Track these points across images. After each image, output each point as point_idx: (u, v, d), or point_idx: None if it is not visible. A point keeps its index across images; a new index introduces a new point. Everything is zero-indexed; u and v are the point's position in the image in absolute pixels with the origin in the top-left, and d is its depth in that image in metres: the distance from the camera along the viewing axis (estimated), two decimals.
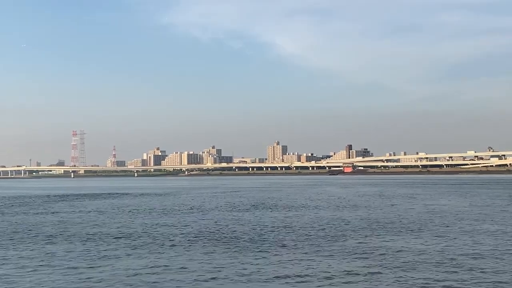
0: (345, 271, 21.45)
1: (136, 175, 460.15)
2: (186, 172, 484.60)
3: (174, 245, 28.81)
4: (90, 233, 34.29)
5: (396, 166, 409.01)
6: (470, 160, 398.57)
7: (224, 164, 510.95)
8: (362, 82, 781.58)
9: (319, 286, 19.27)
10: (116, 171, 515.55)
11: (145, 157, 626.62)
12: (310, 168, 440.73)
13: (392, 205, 58.50)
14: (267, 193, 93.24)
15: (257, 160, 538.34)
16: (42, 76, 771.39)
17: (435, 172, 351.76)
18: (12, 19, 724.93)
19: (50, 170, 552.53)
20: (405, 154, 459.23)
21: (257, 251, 26.38)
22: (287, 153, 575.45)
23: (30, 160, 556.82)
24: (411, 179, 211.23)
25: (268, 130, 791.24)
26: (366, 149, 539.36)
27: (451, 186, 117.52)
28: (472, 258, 23.95)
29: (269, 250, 26.65)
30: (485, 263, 22.80)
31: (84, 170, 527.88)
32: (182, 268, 22.39)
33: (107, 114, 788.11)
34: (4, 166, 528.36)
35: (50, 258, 25.00)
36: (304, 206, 58.38)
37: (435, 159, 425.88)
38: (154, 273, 21.38)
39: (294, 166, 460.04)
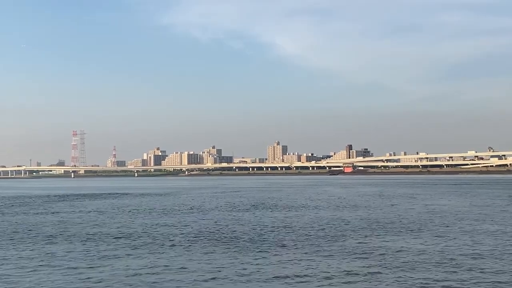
0: (345, 271, 21.46)
1: (136, 175, 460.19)
2: (186, 172, 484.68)
3: (174, 245, 28.83)
4: (90, 233, 34.30)
5: (396, 166, 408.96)
6: (470, 160, 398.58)
7: (224, 164, 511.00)
8: (362, 82, 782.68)
9: (319, 286, 19.28)
10: (116, 171, 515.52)
11: (145, 157, 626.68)
12: (310, 168, 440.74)
13: (392, 205, 58.50)
14: (267, 193, 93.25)
15: (257, 160, 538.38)
16: (42, 76, 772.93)
17: (435, 172, 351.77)
18: (12, 19, 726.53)
19: (50, 170, 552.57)
20: (405, 154, 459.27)
21: (257, 251, 26.39)
22: (287, 153, 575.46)
23: (30, 160, 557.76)
24: (411, 179, 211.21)
25: (268, 130, 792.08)
26: (366, 149, 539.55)
27: (451, 186, 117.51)
28: (472, 258, 23.96)
29: (269, 250, 26.67)
30: (484, 263, 22.82)
31: (84, 170, 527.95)
32: (182, 268, 22.40)
33: (107, 114, 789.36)
34: (4, 166, 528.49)
35: (50, 258, 25.01)
36: (304, 206, 58.39)
37: (435, 159, 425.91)
38: (154, 273, 21.39)
39: (294, 166, 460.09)
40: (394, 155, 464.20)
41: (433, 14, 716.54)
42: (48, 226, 39.10)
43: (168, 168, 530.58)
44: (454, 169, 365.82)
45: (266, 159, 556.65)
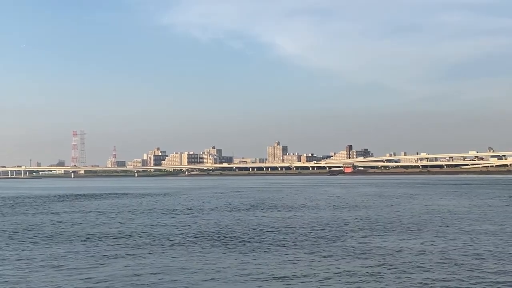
0: (345, 271, 21.46)
1: (136, 175, 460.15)
2: (186, 172, 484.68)
3: (174, 245, 28.84)
4: (90, 233, 34.31)
5: (397, 167, 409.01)
6: (470, 160, 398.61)
7: (224, 164, 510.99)
8: (362, 82, 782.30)
9: (318, 286, 19.29)
10: (116, 171, 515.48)
11: (145, 157, 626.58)
12: (311, 168, 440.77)
13: (392, 205, 58.51)
14: (267, 193, 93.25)
15: (257, 160, 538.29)
16: (42, 76, 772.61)
17: (436, 173, 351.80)
18: (12, 19, 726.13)
19: (50, 170, 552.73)
20: (405, 154, 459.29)
21: (257, 251, 26.40)
22: (287, 154, 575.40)
23: (31, 160, 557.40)
24: (412, 179, 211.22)
25: (268, 130, 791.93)
26: (367, 149, 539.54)
27: (451, 187, 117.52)
28: (472, 258, 23.96)
29: (269, 250, 26.68)
30: (484, 263, 22.82)
31: (84, 170, 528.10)
32: (182, 268, 22.41)
33: (107, 114, 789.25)
34: (4, 166, 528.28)
35: (50, 259, 25.02)
36: (304, 206, 58.40)
37: (436, 159, 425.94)
38: (154, 273, 21.39)
39: (295, 167, 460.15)
40: (394, 155, 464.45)
41: (433, 14, 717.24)
42: (48, 226, 39.12)
43: (168, 168, 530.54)
44: (454, 169, 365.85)
45: (266, 159, 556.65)
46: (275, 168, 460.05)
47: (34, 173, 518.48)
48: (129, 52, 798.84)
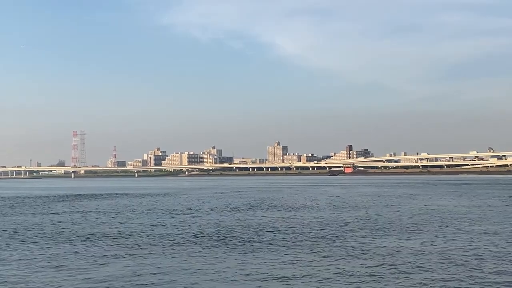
0: (344, 271, 21.49)
1: (136, 176, 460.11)
2: (186, 173, 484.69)
3: (174, 245, 28.87)
4: (90, 234, 34.34)
5: (397, 167, 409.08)
6: (470, 160, 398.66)
7: (224, 165, 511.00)
8: (362, 82, 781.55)
9: (318, 286, 19.31)
10: (116, 172, 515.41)
11: (145, 158, 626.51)
12: (311, 169, 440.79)
13: (392, 205, 58.53)
14: (267, 193, 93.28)
15: (257, 161, 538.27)
16: (42, 76, 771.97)
17: (436, 173, 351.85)
18: (12, 19, 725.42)
19: (51, 171, 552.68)
20: (405, 154, 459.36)
21: (257, 252, 26.43)
22: (287, 154, 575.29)
23: (31, 160, 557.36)
24: (412, 179, 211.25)
25: (268, 130, 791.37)
26: (367, 149, 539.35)
27: (451, 187, 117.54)
28: (472, 258, 23.98)
29: (269, 251, 26.70)
30: (484, 263, 22.84)
31: (85, 171, 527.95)
32: (181, 268, 22.44)
33: (107, 114, 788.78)
34: (4, 167, 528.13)
35: (50, 259, 25.05)
36: (304, 206, 58.43)
37: (436, 159, 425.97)
38: (153, 274, 21.42)
39: (295, 167, 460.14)
40: (394, 156, 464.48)
41: (433, 14, 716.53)
42: (48, 227, 39.15)
43: (168, 169, 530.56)
44: (454, 169, 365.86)
45: (266, 159, 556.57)
46: (275, 168, 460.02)
47: (34, 173, 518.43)
48: (129, 52, 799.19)
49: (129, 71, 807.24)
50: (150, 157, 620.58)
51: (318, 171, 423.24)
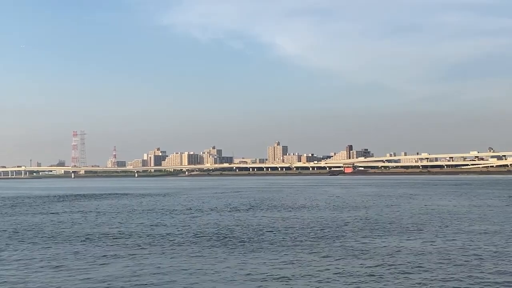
0: (344, 271, 21.49)
1: (136, 176, 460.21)
2: (186, 173, 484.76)
3: (174, 245, 28.87)
4: (90, 234, 34.34)
5: (397, 167, 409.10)
6: (470, 160, 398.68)
7: (224, 165, 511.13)
8: (362, 82, 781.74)
9: (318, 286, 19.32)
10: (116, 172, 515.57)
11: (145, 158, 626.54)
12: (311, 169, 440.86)
13: (392, 205, 58.53)
14: (267, 193, 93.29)
15: (257, 161, 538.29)
16: (42, 76, 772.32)
17: (436, 173, 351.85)
18: (12, 19, 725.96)
19: (51, 171, 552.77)
20: (405, 154, 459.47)
21: (257, 252, 26.43)
22: (287, 154, 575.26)
23: (31, 160, 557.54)
24: (412, 179, 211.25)
25: (268, 130, 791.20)
26: (367, 149, 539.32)
27: (451, 187, 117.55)
28: (471, 258, 23.98)
29: (269, 251, 26.70)
30: (484, 263, 22.84)
31: (85, 171, 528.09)
32: (181, 268, 22.44)
33: (107, 114, 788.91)
34: (4, 167, 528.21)
35: (50, 259, 25.06)
36: (304, 206, 58.44)
37: (436, 159, 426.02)
38: (153, 274, 21.43)
39: (295, 167, 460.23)
40: (395, 156, 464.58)
41: (433, 14, 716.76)
42: (48, 227, 39.15)
43: (168, 169, 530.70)
44: (454, 169, 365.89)
45: (266, 159, 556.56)
46: (275, 168, 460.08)
47: (34, 173, 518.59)
48: (129, 52, 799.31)
49: (129, 71, 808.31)
50: (150, 157, 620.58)
51: (318, 171, 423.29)
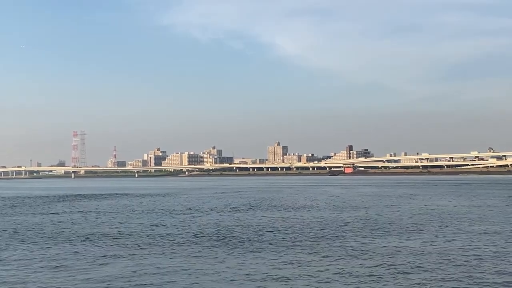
0: (344, 271, 21.50)
1: (136, 176, 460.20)
2: (186, 173, 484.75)
3: (174, 245, 28.88)
4: (90, 234, 34.36)
5: (397, 167, 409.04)
6: (470, 160, 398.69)
7: (225, 165, 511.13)
8: (362, 82, 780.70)
9: (318, 286, 19.32)
10: (116, 172, 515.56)
11: (145, 158, 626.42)
12: (311, 169, 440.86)
13: (392, 205, 58.54)
14: (268, 193, 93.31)
15: (257, 161, 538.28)
16: (42, 76, 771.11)
17: (436, 173, 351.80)
18: (12, 19, 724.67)
19: (51, 171, 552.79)
20: (405, 154, 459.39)
21: (257, 252, 26.44)
22: (287, 154, 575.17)
23: (31, 160, 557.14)
24: (412, 179, 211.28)
25: (268, 130, 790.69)
26: (367, 149, 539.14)
27: (451, 187, 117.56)
28: (471, 258, 23.99)
29: (269, 251, 26.71)
30: (484, 263, 22.85)
31: (85, 171, 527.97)
32: (181, 268, 22.45)
33: (107, 114, 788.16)
34: (4, 167, 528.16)
35: (50, 259, 25.07)
36: (304, 206, 58.45)
37: (436, 159, 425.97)
38: (153, 274, 21.43)
39: (295, 167, 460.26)
40: (395, 156, 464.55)
41: (433, 14, 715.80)
42: (48, 227, 39.17)
43: (168, 169, 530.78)
44: (454, 169, 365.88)
45: (266, 159, 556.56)
46: (276, 169, 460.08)
47: (35, 174, 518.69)
48: (129, 52, 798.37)
49: (129, 71, 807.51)
50: (150, 157, 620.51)
51: (318, 171, 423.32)
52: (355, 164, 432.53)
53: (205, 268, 22.45)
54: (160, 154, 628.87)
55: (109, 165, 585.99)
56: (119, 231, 35.57)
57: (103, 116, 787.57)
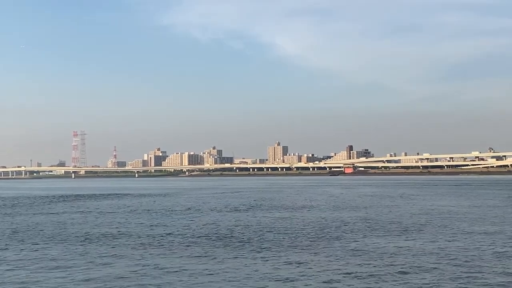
0: (344, 271, 21.49)
1: (136, 176, 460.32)
2: (186, 173, 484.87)
3: (174, 245, 28.87)
4: (90, 234, 34.35)
5: (397, 167, 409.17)
6: (471, 160, 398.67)
7: (225, 165, 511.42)
8: (362, 82, 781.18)
9: (318, 286, 19.31)
10: (116, 172, 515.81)
11: (145, 158, 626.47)
12: (311, 169, 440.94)
13: (392, 205, 58.53)
14: (268, 193, 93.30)
15: (257, 161, 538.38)
16: (42, 76, 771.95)
17: (436, 173, 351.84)
18: (12, 19, 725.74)
19: (51, 171, 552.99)
20: (405, 154, 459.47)
21: (257, 252, 26.44)
22: (287, 154, 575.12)
23: (31, 160, 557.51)
24: (412, 179, 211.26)
25: (268, 130, 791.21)
26: (367, 149, 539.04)
27: (451, 187, 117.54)
28: (471, 259, 23.97)
29: (269, 251, 26.71)
30: (484, 263, 22.83)
31: (85, 171, 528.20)
32: (181, 268, 22.44)
33: (107, 114, 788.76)
34: (4, 167, 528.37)
35: (50, 259, 25.06)
36: (304, 206, 58.45)
37: (436, 159, 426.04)
38: (153, 274, 21.42)
39: (295, 167, 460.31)
40: (395, 156, 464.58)
41: (433, 14, 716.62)
42: (48, 227, 39.16)
43: (168, 169, 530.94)
44: (454, 169, 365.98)
45: (266, 159, 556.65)
46: (276, 169, 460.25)
47: (35, 174, 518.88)
48: (129, 52, 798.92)
49: (129, 71, 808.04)
50: (150, 157, 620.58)
51: (319, 171, 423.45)
52: (355, 164, 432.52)
53: (205, 268, 22.43)
54: (160, 154, 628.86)
55: (109, 165, 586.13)
56: (119, 231, 35.57)
57: (103, 116, 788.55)
